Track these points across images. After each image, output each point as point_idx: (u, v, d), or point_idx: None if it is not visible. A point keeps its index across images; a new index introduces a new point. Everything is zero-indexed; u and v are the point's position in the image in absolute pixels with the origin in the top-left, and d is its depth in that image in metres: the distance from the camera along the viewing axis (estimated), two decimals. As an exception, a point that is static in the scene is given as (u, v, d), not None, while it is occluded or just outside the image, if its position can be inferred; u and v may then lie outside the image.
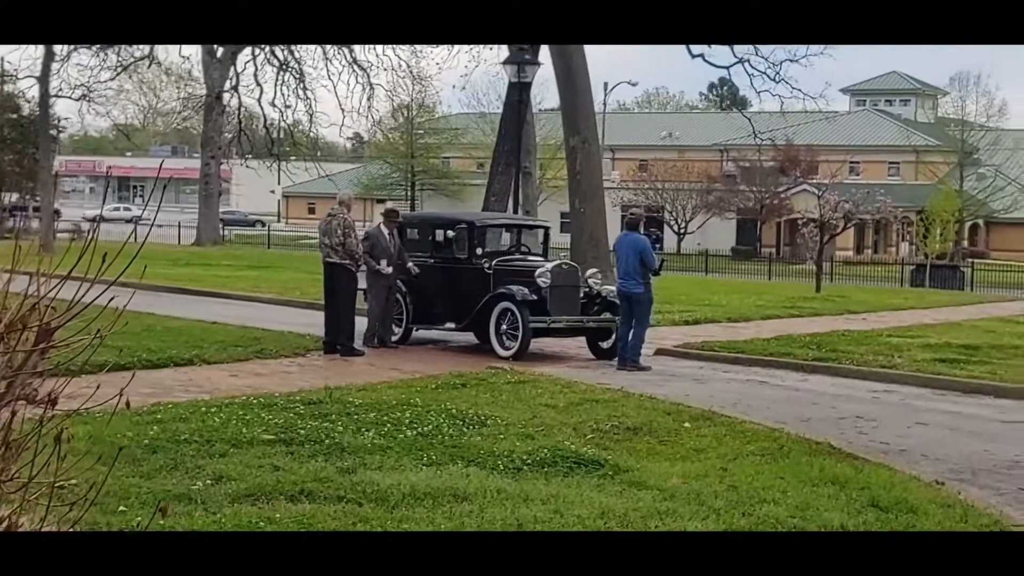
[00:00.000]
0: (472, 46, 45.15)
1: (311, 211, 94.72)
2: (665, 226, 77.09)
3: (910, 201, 69.64)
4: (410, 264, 20.02)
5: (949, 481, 10.32)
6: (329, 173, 78.87)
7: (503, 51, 27.56)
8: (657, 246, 62.97)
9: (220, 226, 62.81)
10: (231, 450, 9.76)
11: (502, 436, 10.85)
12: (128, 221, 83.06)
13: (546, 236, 21.47)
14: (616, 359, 18.54)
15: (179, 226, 63.32)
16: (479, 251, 20.04)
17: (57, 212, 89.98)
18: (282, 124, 62.40)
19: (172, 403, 12.44)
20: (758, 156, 69.26)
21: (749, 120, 42.75)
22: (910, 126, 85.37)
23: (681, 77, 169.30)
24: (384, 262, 19.58)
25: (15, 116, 59.89)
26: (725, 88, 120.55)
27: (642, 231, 19.86)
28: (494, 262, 19.72)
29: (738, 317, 27.59)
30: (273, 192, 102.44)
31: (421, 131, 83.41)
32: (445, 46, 56.62)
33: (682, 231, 76.18)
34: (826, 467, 9.96)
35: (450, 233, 20.54)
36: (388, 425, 10.99)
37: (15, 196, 63.93)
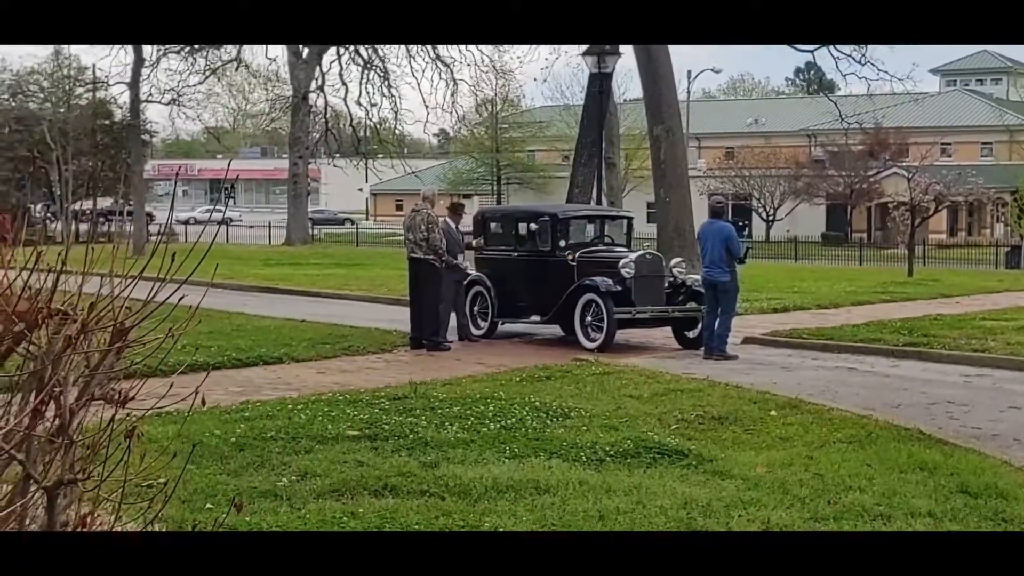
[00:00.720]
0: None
1: (398, 208, 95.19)
2: (753, 213, 76.40)
3: (1004, 182, 68.26)
4: (466, 263, 20.06)
5: (1042, 466, 10.15)
6: (415, 170, 79.33)
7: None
8: (744, 234, 62.61)
9: (309, 225, 63.30)
10: (316, 446, 9.85)
11: (585, 428, 10.84)
12: (220, 223, 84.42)
13: (629, 226, 21.39)
14: (702, 348, 18.45)
15: (269, 226, 64.01)
16: (562, 243, 20.03)
17: (150, 215, 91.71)
18: (368, 122, 62.87)
19: (260, 401, 12.59)
20: (846, 140, 68.45)
21: (835, 104, 42.26)
22: (1002, 105, 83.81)
23: (766, 63, 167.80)
24: (461, 257, 19.66)
25: (108, 122, 60.93)
26: (812, 72, 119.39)
27: (727, 218, 19.71)
28: (578, 254, 19.69)
29: (828, 304, 27.31)
30: (361, 190, 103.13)
31: (506, 125, 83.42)
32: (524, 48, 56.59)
33: (771, 218, 75.43)
34: (914, 453, 9.82)
35: (533, 226, 20.53)
36: (472, 419, 11.02)
37: (109, 201, 65.10)
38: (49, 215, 64.36)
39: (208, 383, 14.86)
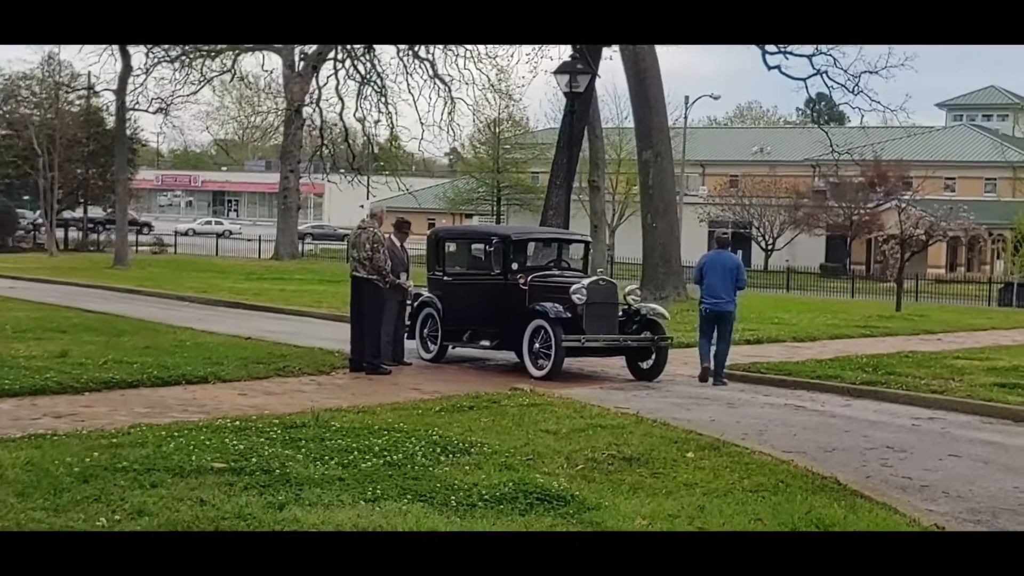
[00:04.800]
0: (535, 59, 44.52)
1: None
2: (752, 242, 75.69)
3: (1005, 218, 67.51)
4: (410, 282, 19.35)
5: (963, 523, 9.38)
6: (415, 188, 78.66)
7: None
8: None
9: (298, 240, 62.64)
10: (169, 479, 9.08)
11: (478, 466, 10.06)
12: (219, 235, 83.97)
13: (586, 250, 20.67)
14: (703, 379, 18.42)
15: (259, 240, 63.36)
16: (515, 266, 19.29)
17: (148, 225, 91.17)
18: (366, 138, 62.27)
19: (151, 424, 11.84)
20: (849, 172, 67.75)
21: (827, 134, 41.56)
22: (1008, 141, 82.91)
23: (774, 91, 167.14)
24: (404, 276, 18.96)
25: (99, 130, 60.38)
26: (823, 104, 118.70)
27: (730, 250, 19.64)
28: (530, 278, 18.95)
29: (804, 337, 26.57)
30: (362, 206, 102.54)
31: (508, 146, 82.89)
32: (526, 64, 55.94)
33: (770, 247, 74.74)
34: (816, 507, 9.01)
35: (487, 247, 19.81)
36: (356, 453, 10.25)
37: (109, 210, 64.49)
38: (34, 223, 63.86)
39: (117, 402, 14.37)
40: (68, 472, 9.14)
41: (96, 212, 68.85)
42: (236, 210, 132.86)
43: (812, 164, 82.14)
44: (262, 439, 10.85)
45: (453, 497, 8.75)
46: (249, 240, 68.05)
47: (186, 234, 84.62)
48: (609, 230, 72.47)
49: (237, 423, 11.70)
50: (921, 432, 14.23)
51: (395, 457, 10.17)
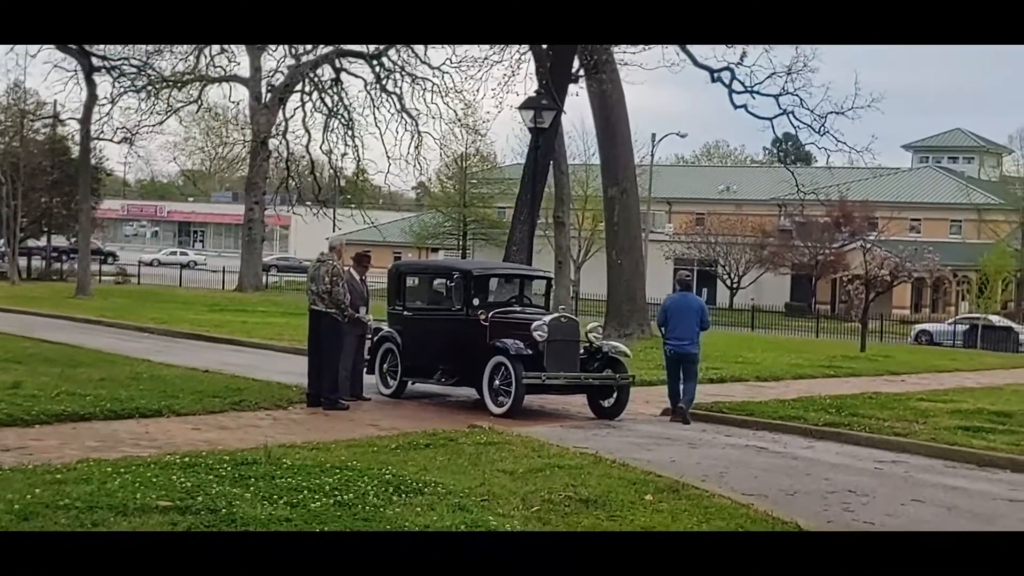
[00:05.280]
0: (500, 95, 44.44)
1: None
2: (718, 280, 75.78)
3: (970, 260, 67.86)
4: (368, 316, 19.14)
5: (924, 571, 9.17)
6: (381, 221, 78.39)
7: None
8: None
9: (263, 271, 62.25)
10: (111, 518, 8.79)
11: (431, 507, 9.81)
12: (184, 266, 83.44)
13: (548, 287, 20.48)
14: (667, 414, 18.65)
15: (223, 271, 62.94)
16: (476, 302, 19.08)
17: (113, 255, 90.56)
18: (333, 171, 61.97)
19: (99, 459, 11.55)
20: (815, 211, 67.96)
21: (792, 173, 41.60)
22: (973, 184, 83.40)
23: (741, 131, 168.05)
24: (364, 309, 18.73)
25: (64, 158, 59.91)
26: (790, 144, 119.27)
27: (694, 291, 19.75)
28: (491, 314, 18.73)
29: (768, 376, 26.45)
30: (327, 239, 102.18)
31: (475, 181, 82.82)
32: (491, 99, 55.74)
33: (735, 286, 74.82)
34: (776, 555, 8.82)
35: (447, 282, 19.60)
36: (306, 492, 9.97)
37: (72, 239, 63.87)
38: (-2, 251, 63.26)
39: (68, 436, 14.03)
40: (8, 509, 8.85)
41: (60, 241, 68.28)
42: (202, 241, 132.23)
43: (778, 203, 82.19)
44: (211, 476, 10.57)
45: (402, 540, 8.50)
46: (214, 271, 67.63)
47: (151, 264, 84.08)
48: (575, 266, 72.45)
49: (187, 459, 11.42)
50: (884, 476, 14.06)
51: (346, 497, 9.90)
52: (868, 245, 46.71)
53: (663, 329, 19.04)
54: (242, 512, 9.11)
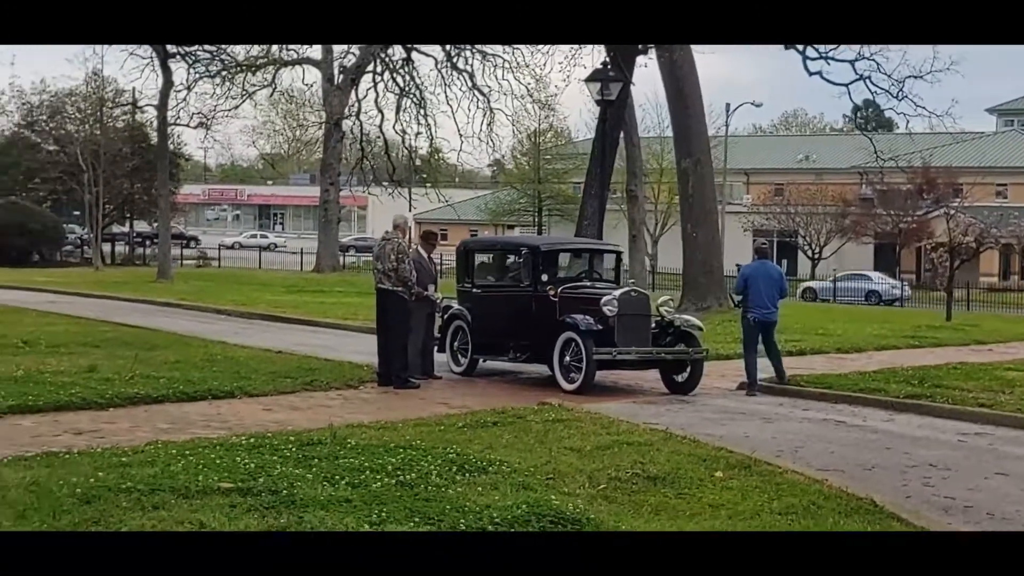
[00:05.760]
0: (567, 68, 44.14)
1: (443, 237, 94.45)
2: (798, 251, 74.90)
3: (1059, 225, 66.40)
4: (438, 294, 18.98)
5: (1006, 547, 8.82)
6: (457, 200, 78.42)
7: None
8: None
9: (340, 252, 62.47)
10: (172, 500, 8.69)
11: (494, 487, 9.61)
12: (264, 248, 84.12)
13: (618, 261, 20.15)
14: (743, 388, 18.45)
15: (301, 252, 63.30)
16: (545, 277, 18.84)
17: (195, 239, 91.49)
18: (407, 150, 62.05)
19: (167, 441, 11.50)
20: (897, 179, 66.90)
21: (871, 140, 40.85)
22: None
23: (820, 99, 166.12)
24: (432, 288, 18.58)
25: (143, 145, 60.52)
26: (870, 110, 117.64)
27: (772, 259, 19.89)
28: (560, 289, 18.49)
29: (849, 348, 25.95)
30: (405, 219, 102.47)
31: (549, 156, 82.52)
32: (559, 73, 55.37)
33: (816, 256, 73.89)
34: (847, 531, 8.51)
35: (516, 259, 19.38)
36: (368, 472, 9.81)
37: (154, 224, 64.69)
38: (82, 237, 64.09)
39: (140, 418, 14.01)
40: (71, 493, 8.81)
41: (144, 227, 69.10)
42: (282, 223, 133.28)
43: (859, 171, 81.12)
44: (275, 457, 10.47)
45: (463, 520, 8.28)
46: (293, 253, 68.07)
47: (232, 247, 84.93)
48: (652, 240, 72.00)
49: (252, 440, 11.34)
50: (967, 449, 13.63)
51: (408, 477, 9.73)
52: (952, 212, 45.68)
53: (742, 297, 18.78)
54: (303, 493, 8.98)
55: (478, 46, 54.29)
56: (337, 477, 9.62)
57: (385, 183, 63.64)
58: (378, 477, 9.67)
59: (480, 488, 9.53)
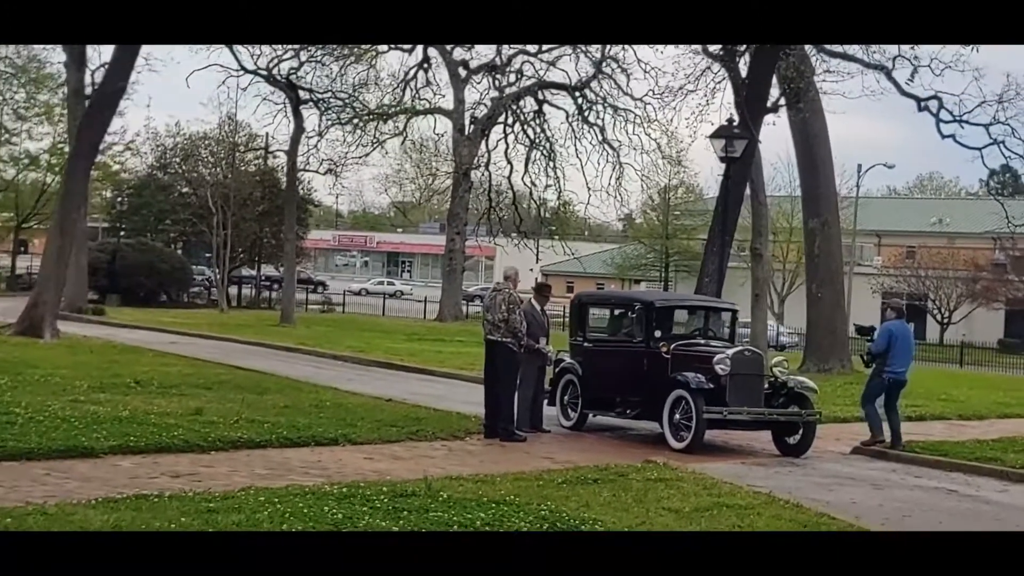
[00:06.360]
0: (694, 124, 44.01)
1: (569, 289, 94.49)
2: (927, 315, 73.48)
3: None
4: (548, 347, 18.88)
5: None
6: (584, 253, 78.43)
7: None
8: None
9: (464, 301, 62.75)
10: (252, 549, 8.70)
11: (582, 546, 9.47)
12: (390, 295, 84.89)
13: (733, 319, 19.89)
14: (858, 451, 18.39)
15: (425, 301, 63.70)
16: (658, 333, 18.67)
17: (323, 284, 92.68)
18: (535, 202, 62.26)
19: (262, 488, 11.56)
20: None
21: (1002, 205, 39.94)
22: None
23: (955, 163, 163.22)
24: (544, 340, 18.51)
25: (273, 189, 61.55)
26: (1007, 175, 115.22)
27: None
28: (673, 346, 18.30)
29: (971, 415, 25.34)
30: (532, 270, 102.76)
31: (678, 212, 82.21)
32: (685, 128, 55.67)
33: (945, 321, 72.41)
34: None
35: (629, 314, 19.24)
36: (456, 527, 9.72)
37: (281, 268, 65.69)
38: (209, 279, 65.24)
39: (240, 463, 14.10)
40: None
41: (272, 271, 70.21)
42: (409, 271, 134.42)
43: (992, 236, 79.16)
44: (365, 508, 10.45)
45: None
46: (418, 301, 68.54)
47: (359, 293, 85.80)
48: (779, 299, 71.16)
49: (345, 489, 11.33)
50: (1082, 524, 13.17)
51: (496, 534, 9.64)
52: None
53: (878, 355, 18.45)
54: (385, 546, 8.92)
55: (609, 101, 54.50)
56: (423, 531, 9.55)
57: (513, 234, 63.90)
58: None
59: (568, 547, 9.39)
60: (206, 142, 63.20)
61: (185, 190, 63.87)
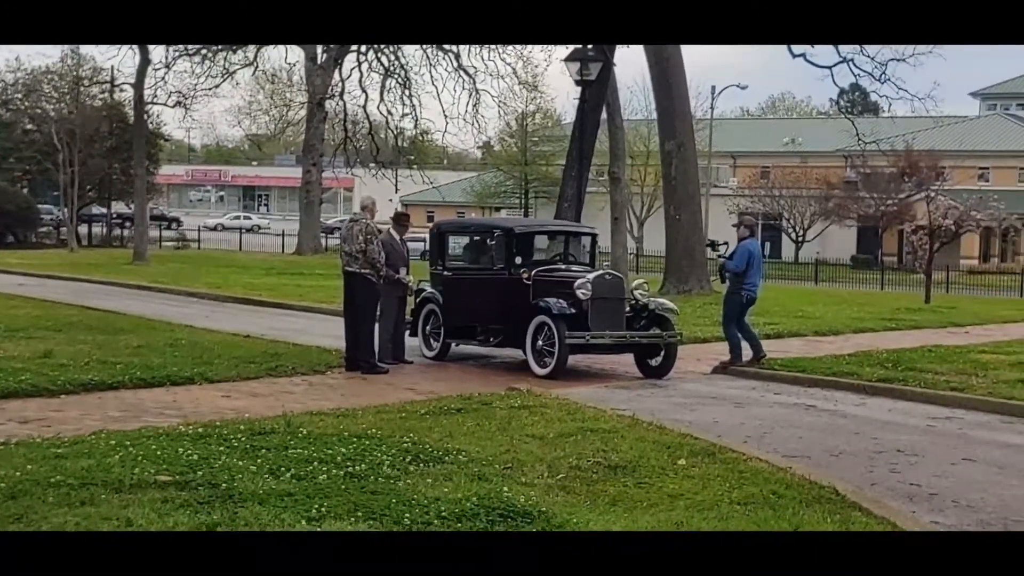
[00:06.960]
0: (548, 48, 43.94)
1: (429, 219, 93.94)
2: (783, 234, 74.74)
3: (1042, 208, 66.27)
4: (409, 277, 18.68)
5: (970, 538, 8.57)
6: (443, 182, 77.95)
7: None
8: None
9: (323, 234, 62.09)
10: (103, 496, 8.32)
11: (447, 478, 9.31)
12: (247, 230, 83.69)
13: (593, 243, 19.85)
14: (718, 371, 18.44)
15: (283, 235, 62.92)
16: (518, 260, 18.56)
17: (177, 220, 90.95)
18: (392, 131, 61.67)
19: (112, 431, 11.15)
20: (881, 162, 66.69)
21: (853, 123, 40.62)
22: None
23: (807, 83, 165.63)
24: (404, 271, 18.29)
25: (121, 124, 59.98)
26: (856, 93, 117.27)
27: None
28: (533, 272, 18.21)
29: (827, 330, 25.78)
30: (391, 200, 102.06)
31: (536, 139, 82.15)
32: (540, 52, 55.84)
33: (800, 239, 73.74)
34: (806, 523, 8.24)
35: (489, 241, 19.09)
36: (316, 463, 9.50)
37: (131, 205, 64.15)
38: (58, 218, 63.54)
39: (91, 406, 13.63)
40: (-3, 487, 8.46)
41: (124, 208, 68.63)
42: (266, 205, 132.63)
43: (844, 155, 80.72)
44: (221, 447, 10.14)
45: (407, 515, 7.96)
46: (276, 235, 67.64)
47: (215, 229, 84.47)
48: (638, 223, 71.72)
49: (200, 430, 11.01)
50: (936, 433, 13.42)
51: (358, 468, 9.42)
52: (932, 195, 45.42)
53: (740, 275, 18.45)
54: (243, 487, 8.63)
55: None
56: (283, 469, 9.30)
57: (370, 164, 63.24)
58: (326, 468, 9.35)
59: (432, 480, 9.24)
60: (49, 76, 61.26)
61: (29, 127, 61.91)
